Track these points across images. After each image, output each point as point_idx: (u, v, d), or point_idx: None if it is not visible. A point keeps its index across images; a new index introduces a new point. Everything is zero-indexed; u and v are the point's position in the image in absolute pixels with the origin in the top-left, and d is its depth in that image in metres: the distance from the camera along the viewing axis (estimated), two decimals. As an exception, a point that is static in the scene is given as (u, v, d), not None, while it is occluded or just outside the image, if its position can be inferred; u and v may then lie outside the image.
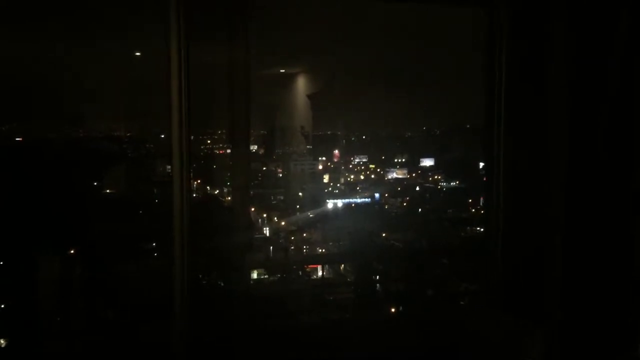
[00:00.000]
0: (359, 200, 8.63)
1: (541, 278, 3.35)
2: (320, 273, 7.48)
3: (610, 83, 3.26)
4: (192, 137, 2.68)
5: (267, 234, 7.91)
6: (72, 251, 5.23)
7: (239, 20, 3.08)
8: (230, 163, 3.30)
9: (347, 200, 8.55)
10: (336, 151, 8.90)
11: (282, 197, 8.47)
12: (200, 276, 4.65)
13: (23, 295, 4.77)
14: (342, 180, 8.90)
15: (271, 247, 7.68)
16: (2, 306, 5.03)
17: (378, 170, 9.20)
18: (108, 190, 6.57)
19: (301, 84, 7.75)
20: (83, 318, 4.64)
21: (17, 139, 6.41)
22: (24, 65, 5.88)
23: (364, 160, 9.23)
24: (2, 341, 4.27)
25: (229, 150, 3.40)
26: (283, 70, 7.76)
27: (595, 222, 3.30)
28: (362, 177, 9.12)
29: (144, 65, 5.65)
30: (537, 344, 3.19)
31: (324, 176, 8.71)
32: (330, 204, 8.37)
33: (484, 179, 3.60)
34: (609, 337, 3.29)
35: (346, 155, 9.05)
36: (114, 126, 7.21)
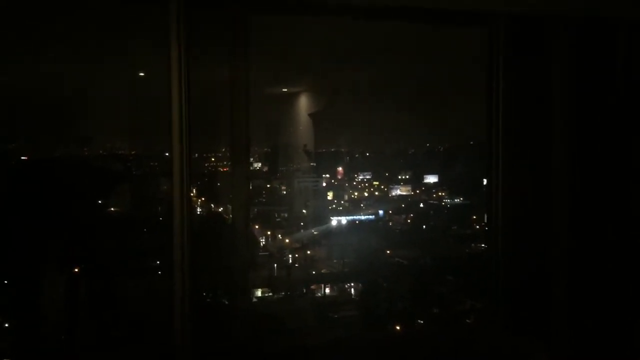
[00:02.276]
0: (363, 217, 8.61)
1: (545, 294, 3.34)
2: (324, 290, 7.46)
3: (611, 98, 3.28)
4: (196, 154, 2.70)
5: (271, 252, 7.90)
6: (76, 269, 5.24)
7: (240, 39, 3.11)
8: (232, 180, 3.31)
9: (351, 217, 8.53)
10: (340, 168, 8.90)
11: (286, 215, 8.46)
12: (204, 294, 4.64)
13: (28, 313, 4.78)
14: (346, 197, 8.88)
15: (275, 265, 7.66)
16: (6, 325, 5.03)
17: (382, 187, 9.18)
18: (113, 208, 6.59)
19: (303, 103, 7.80)
20: (87, 335, 4.64)
21: (22, 157, 6.45)
22: (29, 84, 5.95)
23: (368, 177, 9.22)
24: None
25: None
26: (285, 90, 7.81)
27: (599, 237, 3.29)
28: (366, 194, 9.11)
29: (148, 84, 5.71)
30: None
31: (328, 193, 8.70)
32: (334, 221, 8.35)
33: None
34: (615, 353, 3.27)
35: (350, 172, 9.04)
36: (118, 144, 7.26)
